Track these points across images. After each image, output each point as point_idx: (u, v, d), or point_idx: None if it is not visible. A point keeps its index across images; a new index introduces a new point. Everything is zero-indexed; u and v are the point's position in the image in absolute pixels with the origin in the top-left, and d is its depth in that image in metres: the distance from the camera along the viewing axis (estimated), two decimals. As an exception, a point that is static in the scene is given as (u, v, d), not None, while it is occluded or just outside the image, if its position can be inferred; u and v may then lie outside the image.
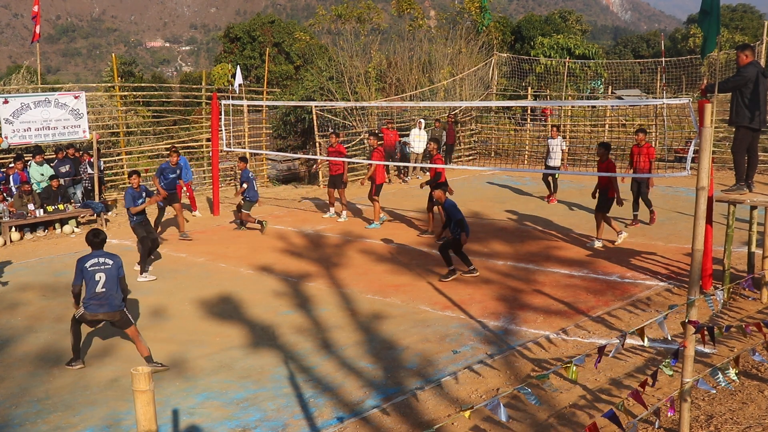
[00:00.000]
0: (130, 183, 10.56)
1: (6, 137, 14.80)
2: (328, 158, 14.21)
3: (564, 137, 18.12)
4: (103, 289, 6.88)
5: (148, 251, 10.42)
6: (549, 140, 15.52)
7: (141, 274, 10.19)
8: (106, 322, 7.20)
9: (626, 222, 12.53)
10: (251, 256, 11.37)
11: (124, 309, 7.03)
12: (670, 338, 5.69)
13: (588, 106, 23.63)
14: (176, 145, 15.63)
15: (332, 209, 14.26)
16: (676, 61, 22.36)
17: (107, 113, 18.69)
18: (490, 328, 7.75)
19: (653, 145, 13.15)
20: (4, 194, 13.81)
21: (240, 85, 18.38)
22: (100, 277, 6.90)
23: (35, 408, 6.20)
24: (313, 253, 11.44)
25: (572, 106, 23.08)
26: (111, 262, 7.03)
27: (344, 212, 14.06)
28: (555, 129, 15.73)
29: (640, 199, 12.44)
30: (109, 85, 20.30)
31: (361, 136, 19.44)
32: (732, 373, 4.71)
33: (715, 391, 5.61)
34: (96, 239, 7.17)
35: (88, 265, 6.95)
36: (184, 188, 14.40)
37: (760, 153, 14.85)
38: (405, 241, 11.99)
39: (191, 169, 15.56)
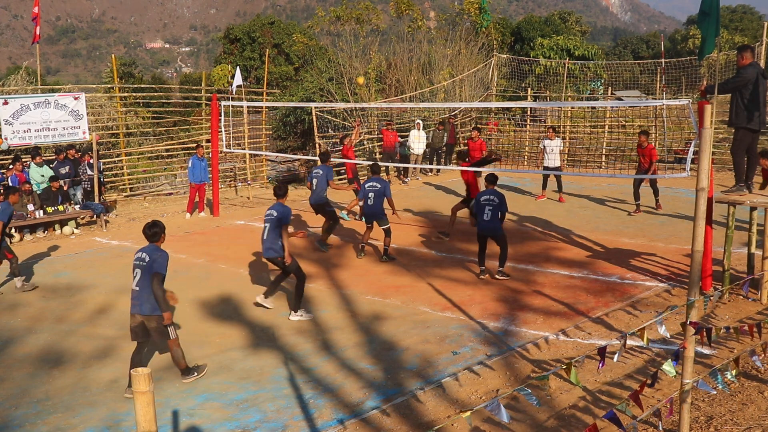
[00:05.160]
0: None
1: (6, 138, 14.80)
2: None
3: (563, 138, 18.20)
4: None
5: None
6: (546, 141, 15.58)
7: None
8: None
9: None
10: (251, 257, 11.36)
11: None
12: (669, 337, 5.69)
13: (588, 107, 23.63)
14: (202, 144, 15.97)
15: None
16: (676, 62, 22.35)
17: (107, 114, 18.68)
18: (489, 329, 7.75)
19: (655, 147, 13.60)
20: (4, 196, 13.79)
21: (239, 86, 18.37)
22: None
23: (35, 409, 6.19)
24: (312, 255, 11.44)
25: (572, 107, 23.08)
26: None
27: None
28: (552, 130, 15.83)
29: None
30: (109, 86, 20.32)
31: (360, 138, 19.43)
32: (731, 374, 4.71)
33: (714, 392, 5.61)
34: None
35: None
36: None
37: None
38: (405, 243, 11.99)
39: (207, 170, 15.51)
